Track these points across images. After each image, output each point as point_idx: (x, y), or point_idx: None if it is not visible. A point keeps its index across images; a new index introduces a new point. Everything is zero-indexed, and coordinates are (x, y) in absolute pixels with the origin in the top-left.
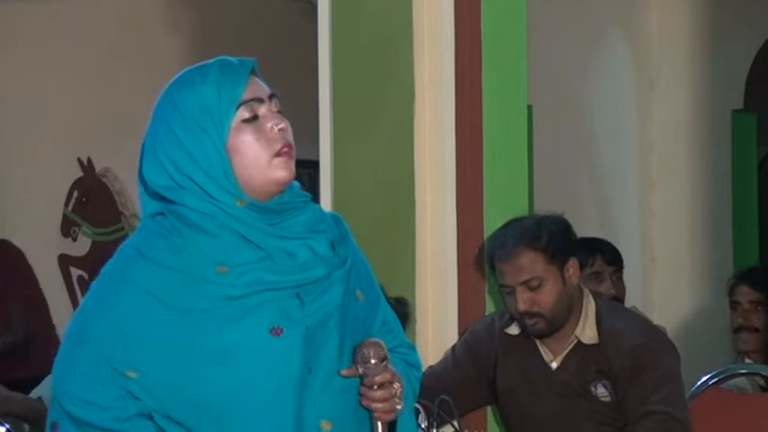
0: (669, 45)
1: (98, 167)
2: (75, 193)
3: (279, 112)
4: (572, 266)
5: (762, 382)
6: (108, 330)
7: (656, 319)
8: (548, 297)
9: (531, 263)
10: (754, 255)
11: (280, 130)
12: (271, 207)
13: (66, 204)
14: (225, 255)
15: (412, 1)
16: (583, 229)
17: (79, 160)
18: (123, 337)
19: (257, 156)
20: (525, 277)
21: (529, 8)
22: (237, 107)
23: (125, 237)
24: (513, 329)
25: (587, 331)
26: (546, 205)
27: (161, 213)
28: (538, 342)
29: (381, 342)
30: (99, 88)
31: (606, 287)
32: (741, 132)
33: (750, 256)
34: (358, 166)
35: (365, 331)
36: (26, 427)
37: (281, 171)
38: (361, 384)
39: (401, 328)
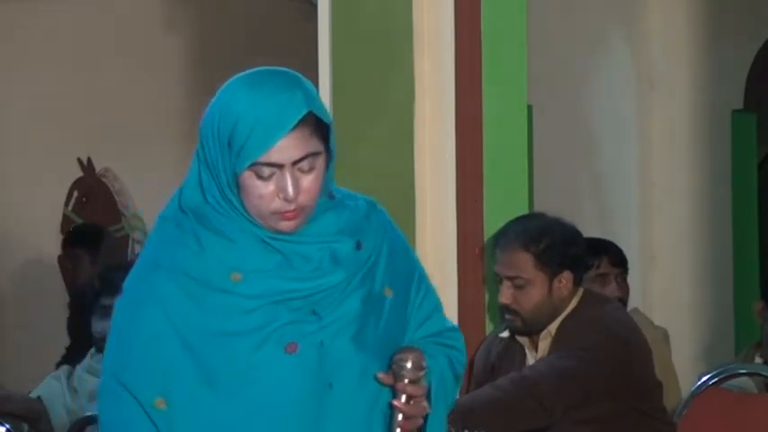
0: (669, 45)
1: (98, 167)
2: (75, 193)
3: (309, 169)
4: (564, 279)
5: None
6: (138, 360)
7: (656, 320)
8: (529, 300)
9: (521, 262)
10: (753, 255)
11: (285, 200)
12: (290, 238)
13: (66, 204)
14: (241, 260)
15: (412, 1)
16: (583, 229)
17: (79, 160)
18: (152, 364)
19: (257, 205)
20: (511, 273)
21: (529, 8)
22: (253, 164)
23: (125, 237)
24: (507, 333)
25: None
26: (546, 205)
27: (184, 212)
28: (526, 345)
29: (421, 351)
30: (99, 88)
31: (612, 289)
32: (741, 132)
33: (750, 255)
34: (358, 166)
35: (397, 328)
36: (25, 426)
37: (281, 224)
38: (393, 386)
39: (442, 311)
